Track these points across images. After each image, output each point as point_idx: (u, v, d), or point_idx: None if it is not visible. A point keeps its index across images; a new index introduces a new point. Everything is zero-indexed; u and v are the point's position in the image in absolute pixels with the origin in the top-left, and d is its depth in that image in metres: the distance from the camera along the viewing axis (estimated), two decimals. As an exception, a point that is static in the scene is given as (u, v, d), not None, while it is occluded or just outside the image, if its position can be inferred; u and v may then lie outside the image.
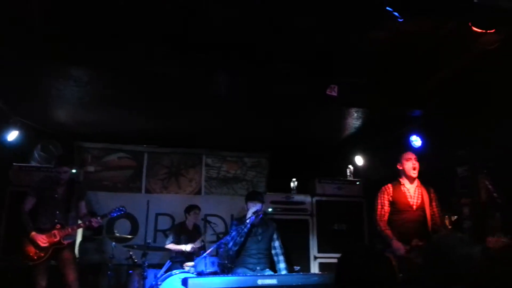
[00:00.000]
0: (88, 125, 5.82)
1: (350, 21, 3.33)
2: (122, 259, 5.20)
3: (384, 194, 3.98)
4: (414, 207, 3.88)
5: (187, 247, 5.16)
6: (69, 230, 4.21)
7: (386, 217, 3.91)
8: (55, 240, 4.11)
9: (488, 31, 3.14)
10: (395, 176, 4.07)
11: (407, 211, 3.86)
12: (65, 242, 4.18)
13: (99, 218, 4.36)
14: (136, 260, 4.99)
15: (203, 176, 6.85)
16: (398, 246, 3.62)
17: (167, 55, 3.85)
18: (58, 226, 4.16)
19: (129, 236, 5.59)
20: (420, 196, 3.93)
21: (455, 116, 4.39)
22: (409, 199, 3.90)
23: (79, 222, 4.40)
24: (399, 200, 3.91)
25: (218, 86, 4.07)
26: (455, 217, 3.89)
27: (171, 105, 5.03)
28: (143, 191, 6.52)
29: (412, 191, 3.95)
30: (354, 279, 1.39)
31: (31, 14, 3.29)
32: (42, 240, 4.05)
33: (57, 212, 4.22)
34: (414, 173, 3.92)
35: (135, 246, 5.09)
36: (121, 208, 4.53)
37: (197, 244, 5.21)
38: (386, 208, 3.92)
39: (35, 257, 4.02)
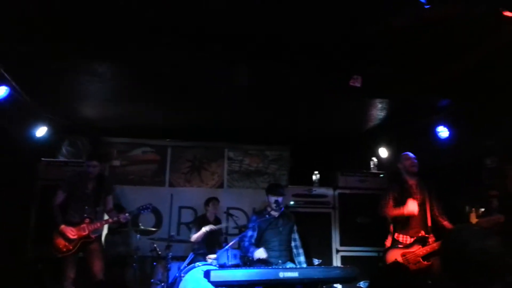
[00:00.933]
0: (113, 120, 5.95)
1: (373, 9, 3.24)
2: (147, 251, 5.30)
3: (390, 191, 4.21)
4: (417, 202, 3.98)
5: (206, 228, 5.22)
6: (98, 224, 4.32)
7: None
8: (84, 233, 4.22)
9: (520, 15, 2.99)
10: (422, 168, 4.12)
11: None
12: (93, 236, 4.29)
13: (127, 214, 4.44)
14: (160, 252, 5.08)
15: (225, 169, 6.89)
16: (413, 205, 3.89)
17: (187, 49, 3.86)
18: (87, 220, 4.27)
19: (153, 229, 5.71)
20: (421, 191, 4.10)
21: (482, 105, 4.22)
22: (412, 195, 4.06)
23: (107, 217, 4.48)
24: (403, 195, 4.07)
25: (238, 79, 4.05)
26: (482, 209, 3.77)
27: (193, 99, 5.05)
28: (166, 184, 6.61)
29: (414, 186, 4.13)
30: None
31: (56, 12, 3.36)
32: (72, 232, 4.17)
33: (86, 207, 4.34)
34: (414, 169, 4.14)
35: (156, 239, 5.19)
36: (148, 205, 4.58)
37: (216, 227, 5.27)
38: (391, 203, 4.13)
39: (64, 249, 4.15)
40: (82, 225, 4.23)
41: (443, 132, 4.68)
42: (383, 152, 6.10)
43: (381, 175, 5.89)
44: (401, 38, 3.61)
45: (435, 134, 4.76)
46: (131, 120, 5.93)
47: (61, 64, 4.09)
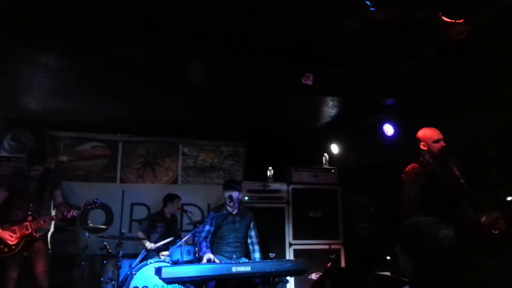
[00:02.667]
0: (60, 114, 5.68)
1: (323, 9, 3.33)
2: (96, 249, 5.13)
3: None
4: None
5: (150, 245, 5.09)
6: (41, 222, 4.07)
7: None
8: (27, 232, 4.00)
9: (457, 21, 3.20)
10: (369, 164, 4.19)
11: None
12: (37, 234, 4.07)
13: (75, 211, 4.18)
14: (110, 251, 4.94)
15: (180, 165, 6.81)
16: None
17: (139, 41, 3.77)
18: (30, 218, 4.04)
19: (104, 227, 5.53)
20: None
21: (425, 105, 4.48)
22: None
23: (53, 214, 4.25)
24: None
25: (192, 74, 4.02)
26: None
27: (146, 94, 4.94)
28: (118, 180, 6.44)
29: None
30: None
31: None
32: (9, 237, 3.92)
33: (31, 204, 4.10)
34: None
35: (106, 236, 5.05)
36: (95, 200, 4.32)
37: (158, 244, 5.08)
38: None
39: (6, 250, 3.92)
40: (24, 223, 4.01)
41: (389, 130, 4.92)
42: (334, 148, 6.30)
43: (333, 171, 6.09)
44: (352, 38, 3.74)
45: (381, 131, 4.99)
46: (80, 113, 5.70)
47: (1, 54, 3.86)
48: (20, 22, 3.43)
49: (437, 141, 3.31)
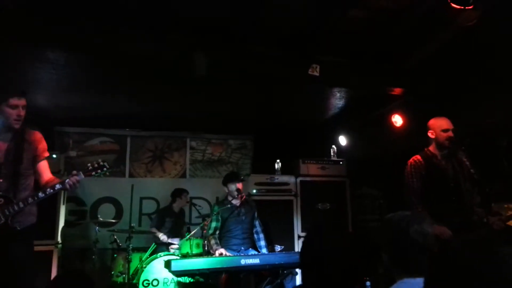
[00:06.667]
0: (68, 110, 5.71)
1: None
2: (107, 243, 5.19)
3: None
4: None
5: (163, 236, 5.16)
6: (20, 205, 2.64)
7: None
8: None
9: (467, 8, 3.14)
10: (378, 155, 4.14)
11: None
12: (16, 226, 2.65)
13: (75, 176, 2.76)
14: (120, 244, 4.99)
15: (188, 159, 6.84)
16: None
17: (146, 36, 3.76)
18: (2, 200, 2.65)
19: (113, 221, 5.59)
20: None
21: (434, 95, 4.42)
22: None
23: (42, 192, 2.69)
24: None
25: (197, 67, 4.00)
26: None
27: (153, 88, 4.95)
28: (127, 175, 6.48)
29: None
30: (315, 257, 1.42)
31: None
32: None
33: (1, 180, 2.69)
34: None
35: (116, 230, 5.10)
36: (102, 164, 2.92)
37: (175, 240, 5.15)
38: None
39: None
40: None
41: (397, 120, 4.87)
42: (342, 140, 6.27)
43: (341, 163, 6.06)
44: (359, 28, 3.69)
45: (390, 122, 4.94)
46: (88, 109, 5.72)
47: (8, 50, 3.87)
48: (27, 18, 3.44)
49: (445, 130, 3.28)
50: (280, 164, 6.02)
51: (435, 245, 1.38)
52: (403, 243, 1.40)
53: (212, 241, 4.28)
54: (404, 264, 1.41)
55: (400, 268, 1.42)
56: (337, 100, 5.38)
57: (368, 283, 4.00)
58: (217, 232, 4.42)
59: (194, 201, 5.98)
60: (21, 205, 2.64)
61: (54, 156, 5.05)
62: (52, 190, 2.70)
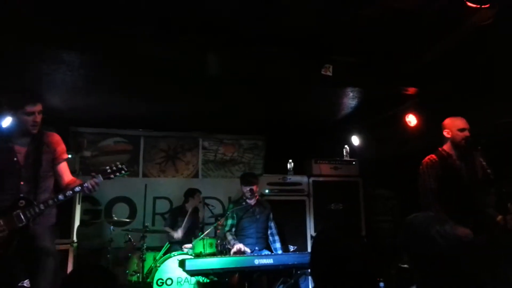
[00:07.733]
0: (82, 110, 5.78)
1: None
2: (121, 242, 5.25)
3: None
4: None
5: (177, 234, 5.23)
6: (41, 207, 2.73)
7: None
8: (19, 225, 2.66)
9: (483, 6, 3.09)
10: (391, 156, 4.11)
11: None
12: (37, 227, 2.76)
13: (96, 178, 2.89)
14: (134, 243, 5.05)
15: (200, 159, 6.88)
16: None
17: (159, 37, 3.80)
18: (22, 202, 2.72)
19: (128, 220, 5.65)
20: None
21: (449, 94, 4.37)
22: None
23: (61, 195, 2.78)
24: None
25: (211, 68, 4.02)
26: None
27: (166, 89, 4.98)
28: (140, 175, 6.54)
29: None
30: (327, 257, 1.41)
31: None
32: None
33: (22, 182, 2.77)
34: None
35: (130, 229, 5.17)
36: (121, 166, 3.05)
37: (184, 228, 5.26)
38: None
39: None
40: (15, 212, 2.67)
41: (411, 120, 4.82)
42: (355, 140, 6.23)
43: (354, 163, 6.02)
44: (372, 27, 3.67)
45: (404, 122, 4.89)
46: (102, 109, 5.79)
47: (22, 52, 3.93)
48: (42, 20, 3.50)
49: (462, 129, 3.24)
50: (292, 164, 6.01)
51: (457, 247, 1.37)
52: (425, 244, 1.39)
53: (230, 237, 4.31)
54: (425, 265, 1.40)
55: (421, 269, 1.41)
56: (350, 99, 5.35)
57: (382, 284, 3.99)
58: (233, 229, 4.46)
59: (206, 201, 6.01)
60: (41, 207, 2.73)
61: (70, 156, 5.11)
62: (71, 193, 2.81)
